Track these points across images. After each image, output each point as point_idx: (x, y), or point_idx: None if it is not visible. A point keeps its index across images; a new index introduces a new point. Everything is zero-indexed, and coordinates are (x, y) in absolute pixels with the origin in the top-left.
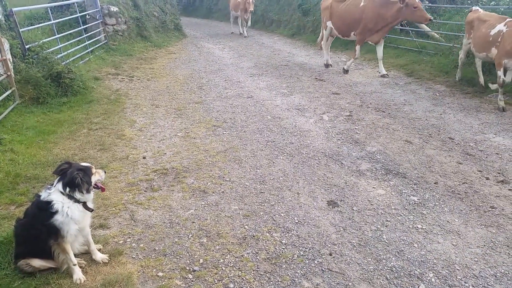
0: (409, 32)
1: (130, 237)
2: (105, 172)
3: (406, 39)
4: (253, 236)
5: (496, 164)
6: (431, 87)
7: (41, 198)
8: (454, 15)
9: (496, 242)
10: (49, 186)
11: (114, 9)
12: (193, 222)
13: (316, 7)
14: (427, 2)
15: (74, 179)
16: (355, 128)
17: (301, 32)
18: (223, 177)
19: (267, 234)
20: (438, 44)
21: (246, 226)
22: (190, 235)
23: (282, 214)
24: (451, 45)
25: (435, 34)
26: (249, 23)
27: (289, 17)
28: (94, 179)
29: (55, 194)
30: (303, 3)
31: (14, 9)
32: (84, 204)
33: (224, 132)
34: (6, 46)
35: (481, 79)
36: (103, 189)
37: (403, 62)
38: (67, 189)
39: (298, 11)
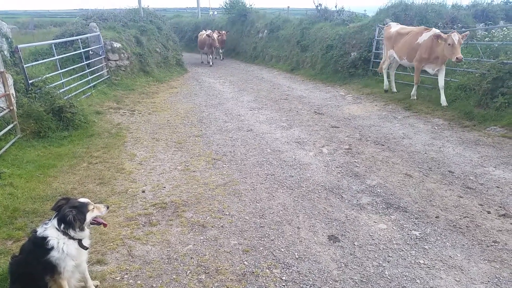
0: (406, 67)
1: (127, 273)
2: (107, 208)
3: (404, 73)
4: (253, 272)
5: (497, 198)
6: (430, 120)
7: (37, 234)
8: None
9: (501, 278)
10: (46, 222)
11: (117, 45)
12: (191, 258)
13: (314, 44)
14: None
15: (66, 217)
16: (355, 161)
17: (300, 67)
18: (223, 211)
19: (267, 270)
20: (435, 78)
21: (245, 262)
22: (189, 272)
23: (282, 249)
24: (448, 79)
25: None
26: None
27: (288, 52)
28: (90, 215)
29: (50, 230)
30: (302, 39)
31: (20, 45)
32: (80, 242)
33: (224, 165)
34: (10, 81)
35: None
36: (105, 225)
37: (401, 96)
38: (62, 226)
39: (297, 47)
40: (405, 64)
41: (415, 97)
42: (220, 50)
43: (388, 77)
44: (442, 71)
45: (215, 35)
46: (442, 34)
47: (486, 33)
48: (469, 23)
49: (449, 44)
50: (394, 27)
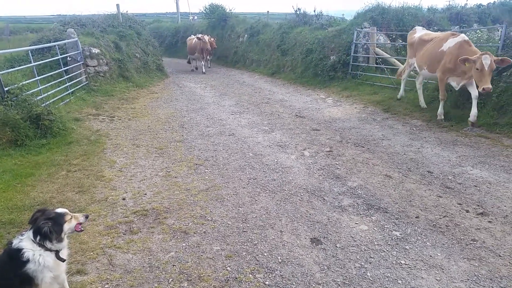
0: (384, 70)
1: (108, 283)
2: (87, 218)
3: (382, 76)
4: (236, 278)
5: (475, 197)
6: (408, 122)
7: (12, 245)
8: None
9: (479, 275)
10: (22, 233)
11: (95, 51)
12: (173, 265)
13: (294, 48)
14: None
15: (41, 229)
16: (336, 164)
17: (280, 70)
18: (205, 217)
19: (250, 275)
20: (413, 80)
21: (228, 268)
22: (171, 280)
23: (265, 254)
24: (426, 81)
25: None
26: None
27: (269, 57)
28: (68, 226)
29: (25, 242)
30: (282, 43)
31: None
32: (57, 253)
33: (206, 171)
34: None
35: None
36: (86, 217)
37: (380, 98)
38: (37, 238)
39: (277, 51)
40: (425, 74)
41: (442, 117)
42: (208, 57)
43: (404, 85)
44: (472, 83)
45: (206, 38)
46: (470, 57)
47: None
48: (445, 26)
49: (477, 69)
50: (419, 31)
